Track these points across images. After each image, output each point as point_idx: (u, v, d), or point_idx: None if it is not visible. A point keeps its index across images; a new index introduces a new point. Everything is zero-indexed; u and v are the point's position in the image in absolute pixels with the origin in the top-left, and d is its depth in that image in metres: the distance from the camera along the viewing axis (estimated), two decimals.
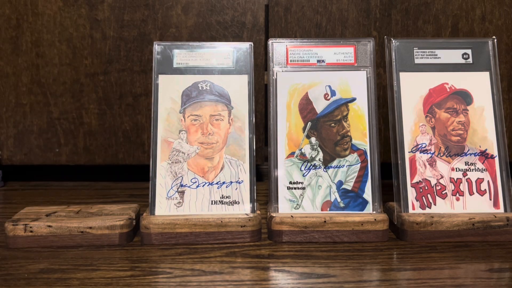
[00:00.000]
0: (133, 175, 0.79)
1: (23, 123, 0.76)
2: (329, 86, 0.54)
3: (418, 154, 0.53)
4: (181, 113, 0.54)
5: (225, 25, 0.74)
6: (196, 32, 0.74)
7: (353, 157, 0.53)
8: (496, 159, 0.53)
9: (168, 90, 0.54)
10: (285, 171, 0.53)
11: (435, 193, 0.52)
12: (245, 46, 0.55)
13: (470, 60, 0.56)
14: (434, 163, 0.53)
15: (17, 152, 0.76)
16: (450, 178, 0.53)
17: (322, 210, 0.52)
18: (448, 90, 0.55)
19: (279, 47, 0.56)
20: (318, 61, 0.55)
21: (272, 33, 0.74)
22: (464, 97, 0.55)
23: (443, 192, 0.53)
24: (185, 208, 0.51)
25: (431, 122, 0.54)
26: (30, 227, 0.48)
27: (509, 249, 0.48)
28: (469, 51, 0.56)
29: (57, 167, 0.78)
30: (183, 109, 0.54)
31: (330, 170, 0.53)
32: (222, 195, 0.52)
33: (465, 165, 0.53)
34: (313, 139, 0.54)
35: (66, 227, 0.48)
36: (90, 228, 0.49)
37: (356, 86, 0.54)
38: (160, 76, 0.55)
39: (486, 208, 0.52)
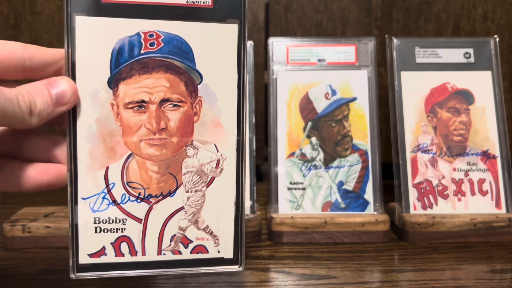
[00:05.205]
0: None
1: None
2: (330, 86, 0.54)
3: (419, 154, 0.53)
4: None
5: None
6: None
7: (354, 157, 0.53)
8: (498, 159, 0.53)
9: None
10: (285, 171, 0.53)
11: (437, 194, 0.52)
12: None
13: (471, 60, 0.55)
14: (435, 163, 0.53)
15: None
16: (452, 178, 0.53)
17: (322, 210, 0.52)
18: (450, 89, 0.54)
19: (279, 46, 0.55)
20: (319, 60, 0.55)
21: (272, 32, 0.74)
22: (465, 96, 0.54)
23: (444, 193, 0.52)
24: None
25: (433, 121, 0.54)
26: (29, 227, 0.48)
27: (511, 250, 0.48)
28: (470, 51, 0.56)
29: None
30: None
31: (331, 171, 0.52)
32: None
33: (467, 165, 0.53)
34: (313, 139, 0.53)
35: (64, 228, 0.48)
36: None
37: (357, 85, 0.54)
38: None
39: (488, 209, 0.52)
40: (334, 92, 0.54)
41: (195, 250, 0.34)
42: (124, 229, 0.32)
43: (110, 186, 0.32)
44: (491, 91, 0.55)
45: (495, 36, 0.56)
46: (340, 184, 0.52)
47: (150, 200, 0.33)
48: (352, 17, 0.73)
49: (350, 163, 0.53)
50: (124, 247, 0.32)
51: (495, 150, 0.53)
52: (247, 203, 0.51)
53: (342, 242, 0.50)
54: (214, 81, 0.33)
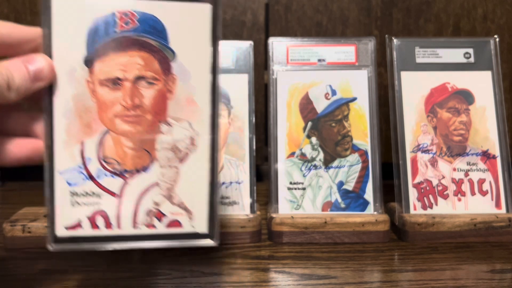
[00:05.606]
0: None
1: None
2: (330, 86, 0.54)
3: (419, 154, 0.53)
4: None
5: (224, 23, 0.74)
6: None
7: (354, 157, 0.53)
8: (498, 159, 0.53)
9: None
10: (285, 171, 0.53)
11: (437, 194, 0.52)
12: (245, 45, 0.55)
13: (471, 60, 0.55)
14: (435, 163, 0.53)
15: None
16: (452, 178, 0.53)
17: (322, 210, 0.52)
18: (450, 89, 0.54)
19: (279, 46, 0.55)
20: (319, 60, 0.55)
21: (272, 32, 0.74)
22: (465, 96, 0.54)
23: (444, 193, 0.52)
24: None
25: (433, 121, 0.54)
26: (29, 227, 0.48)
27: (511, 250, 0.48)
28: (470, 51, 0.56)
29: None
30: None
31: (331, 171, 0.52)
32: (222, 195, 0.52)
33: (467, 165, 0.53)
34: (313, 139, 0.53)
35: None
36: None
37: (357, 85, 0.54)
38: None
39: (488, 209, 0.52)
40: (334, 92, 0.54)
41: (170, 224, 0.34)
42: (100, 203, 0.33)
43: (86, 161, 0.33)
44: (491, 91, 0.54)
45: (495, 36, 0.56)
46: (340, 184, 0.52)
47: (125, 175, 0.33)
48: (352, 17, 0.73)
49: (350, 163, 0.53)
50: (99, 220, 0.33)
51: (495, 150, 0.53)
52: (247, 201, 0.51)
53: (342, 242, 0.50)
54: (187, 59, 0.33)
